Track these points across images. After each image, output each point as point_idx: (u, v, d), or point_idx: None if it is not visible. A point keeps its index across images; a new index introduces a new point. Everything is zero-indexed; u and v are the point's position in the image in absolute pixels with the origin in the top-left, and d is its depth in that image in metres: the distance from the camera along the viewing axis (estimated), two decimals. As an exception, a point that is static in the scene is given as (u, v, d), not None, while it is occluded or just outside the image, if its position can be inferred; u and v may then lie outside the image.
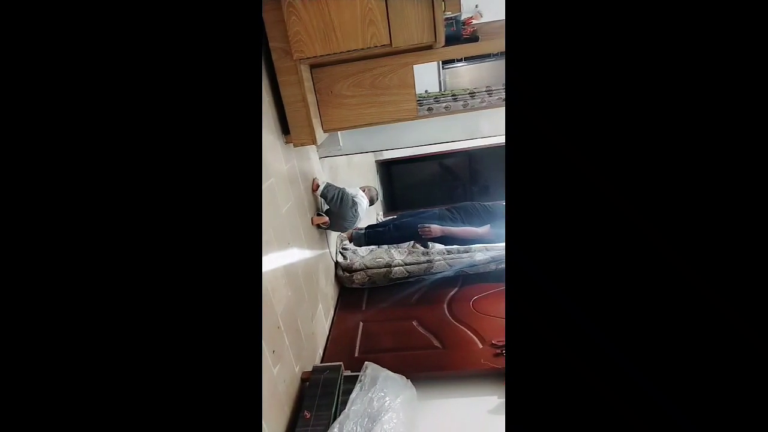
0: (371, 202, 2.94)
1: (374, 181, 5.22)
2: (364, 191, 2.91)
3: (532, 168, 0.48)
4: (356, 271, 2.96)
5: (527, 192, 0.48)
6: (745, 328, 0.42)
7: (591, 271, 0.47)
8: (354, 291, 3.00)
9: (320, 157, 2.95)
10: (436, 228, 2.86)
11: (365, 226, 3.13)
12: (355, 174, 4.31)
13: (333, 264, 3.00)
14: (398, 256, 3.03)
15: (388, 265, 2.95)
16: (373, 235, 3.09)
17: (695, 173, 0.44)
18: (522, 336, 0.48)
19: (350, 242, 3.16)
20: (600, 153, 0.46)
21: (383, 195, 5.56)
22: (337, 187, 2.77)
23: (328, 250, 2.92)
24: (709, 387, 0.43)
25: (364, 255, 3.09)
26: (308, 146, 2.42)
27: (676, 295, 0.44)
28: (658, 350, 0.45)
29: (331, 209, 2.71)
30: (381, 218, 4.43)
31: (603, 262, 0.47)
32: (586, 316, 0.46)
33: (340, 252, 3.12)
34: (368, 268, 2.95)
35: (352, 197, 2.77)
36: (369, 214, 3.54)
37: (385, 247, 3.14)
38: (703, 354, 0.44)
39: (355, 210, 2.76)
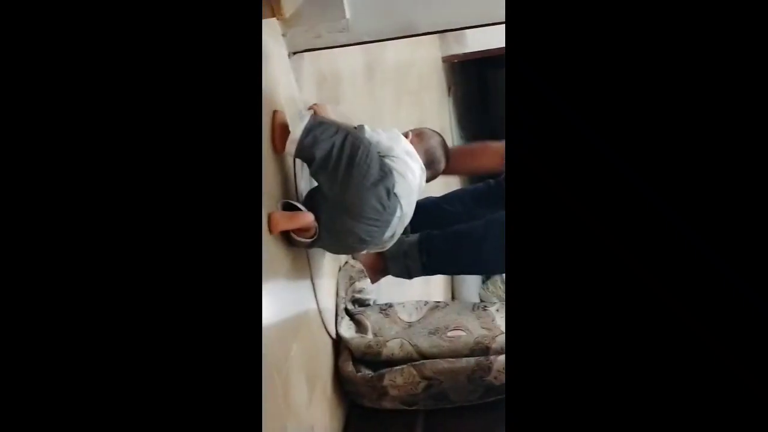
0: (430, 171, 1.26)
1: (443, 115, 2.75)
2: (410, 140, 1.23)
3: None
4: (395, 361, 1.22)
5: (528, 191, 0.55)
6: (745, 327, 0.48)
7: (592, 268, 0.54)
8: (385, 417, 1.28)
9: (292, 53, 1.28)
10: None
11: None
12: (389, 97, 2.01)
13: (329, 342, 1.29)
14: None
15: (484, 345, 1.19)
16: (438, 246, 1.35)
17: (707, 169, 0.49)
18: (523, 340, 0.55)
19: (373, 280, 1.39)
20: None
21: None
22: (339, 126, 1.11)
23: (315, 304, 1.24)
24: (709, 387, 0.51)
25: (414, 316, 1.30)
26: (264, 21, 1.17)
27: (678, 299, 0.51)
28: (658, 352, 0.51)
29: (323, 186, 1.11)
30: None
31: (603, 259, 0.54)
32: (587, 317, 0.53)
33: (349, 310, 1.34)
34: (425, 355, 1.21)
35: (381, 153, 1.13)
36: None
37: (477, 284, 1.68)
38: (704, 355, 0.51)
39: (392, 187, 1.10)
